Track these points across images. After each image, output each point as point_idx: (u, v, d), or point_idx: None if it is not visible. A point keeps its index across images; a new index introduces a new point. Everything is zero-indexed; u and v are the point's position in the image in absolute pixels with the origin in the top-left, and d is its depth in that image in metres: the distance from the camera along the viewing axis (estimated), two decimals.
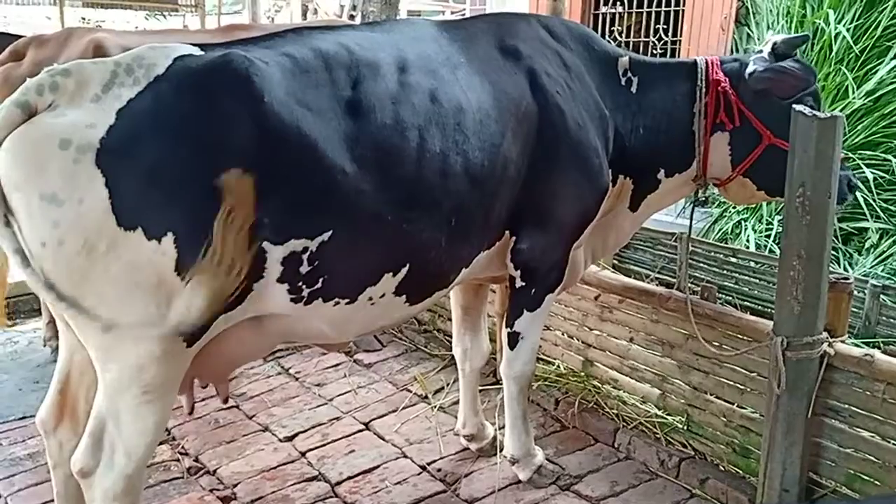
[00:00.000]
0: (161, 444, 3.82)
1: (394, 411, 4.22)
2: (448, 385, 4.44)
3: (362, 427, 4.08)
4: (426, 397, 4.37)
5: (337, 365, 4.80)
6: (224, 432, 4.04)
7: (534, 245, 3.08)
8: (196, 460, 3.79)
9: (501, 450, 3.67)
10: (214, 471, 3.69)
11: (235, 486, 3.57)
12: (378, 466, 3.71)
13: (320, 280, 2.52)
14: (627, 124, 3.22)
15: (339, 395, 4.42)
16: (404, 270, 2.69)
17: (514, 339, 3.33)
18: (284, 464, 3.75)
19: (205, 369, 2.63)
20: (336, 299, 2.61)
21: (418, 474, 3.66)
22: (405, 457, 3.79)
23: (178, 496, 3.50)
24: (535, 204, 3.01)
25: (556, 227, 3.09)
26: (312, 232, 2.45)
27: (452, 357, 3.92)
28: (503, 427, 3.64)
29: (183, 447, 3.89)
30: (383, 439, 3.95)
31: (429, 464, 3.73)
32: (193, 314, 2.30)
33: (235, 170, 2.27)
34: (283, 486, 3.56)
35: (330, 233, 2.47)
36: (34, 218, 2.14)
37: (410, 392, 4.44)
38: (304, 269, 2.47)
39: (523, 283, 3.20)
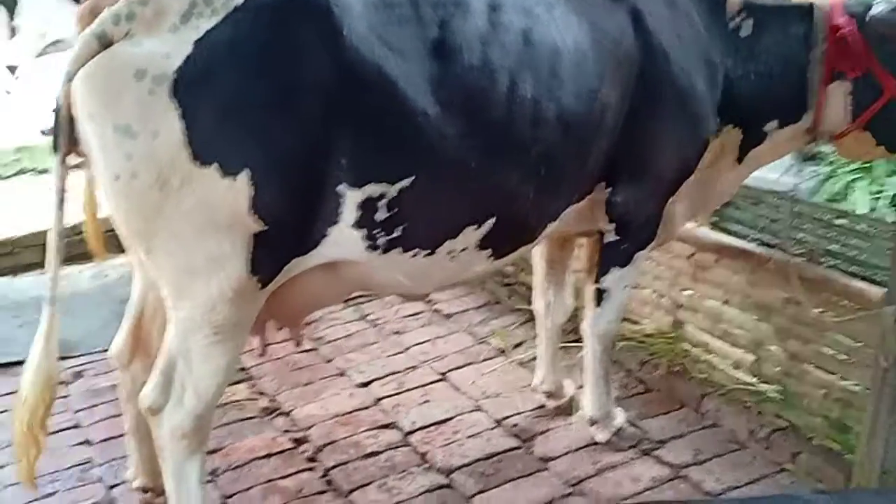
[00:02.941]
0: (238, 382, 3.85)
1: (471, 363, 4.14)
2: (528, 340, 4.33)
3: (439, 377, 4.01)
4: (504, 351, 4.27)
5: (417, 314, 4.73)
6: (301, 375, 4.04)
7: (628, 198, 2.94)
8: (272, 401, 3.80)
9: (579, 409, 3.55)
10: (289, 412, 3.70)
11: (309, 428, 3.57)
12: (452, 418, 3.65)
13: (399, 228, 2.44)
14: (737, 70, 2.99)
15: (416, 345, 4.36)
16: (488, 223, 2.59)
17: (600, 296, 3.21)
18: (358, 410, 3.73)
19: (278, 312, 2.59)
20: (415, 250, 2.52)
21: (492, 429, 3.58)
22: (480, 410, 3.72)
23: (251, 436, 3.52)
24: (632, 154, 2.86)
25: (653, 179, 2.94)
26: (392, 177, 2.36)
27: (533, 312, 3.81)
28: (582, 386, 3.52)
29: (260, 387, 3.90)
30: (459, 391, 3.88)
31: (504, 419, 3.64)
32: None
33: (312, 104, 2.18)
34: (355, 432, 3.54)
35: (411, 179, 2.37)
36: (108, 150, 2.11)
37: (489, 345, 4.34)
38: (382, 215, 2.39)
39: (616, 238, 3.07)
